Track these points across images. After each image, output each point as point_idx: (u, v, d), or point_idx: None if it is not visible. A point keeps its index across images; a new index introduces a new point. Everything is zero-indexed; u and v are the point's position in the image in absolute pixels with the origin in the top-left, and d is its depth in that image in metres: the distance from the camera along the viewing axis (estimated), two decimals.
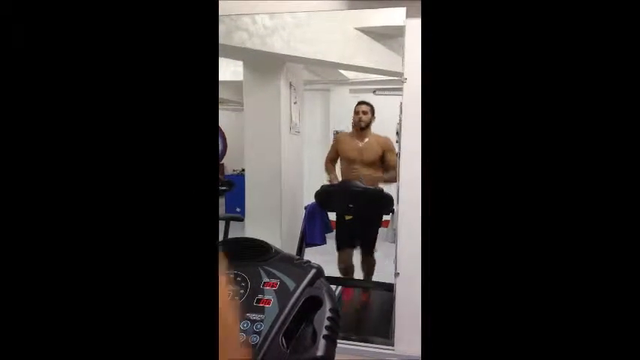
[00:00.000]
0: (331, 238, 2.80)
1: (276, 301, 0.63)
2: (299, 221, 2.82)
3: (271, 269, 0.68)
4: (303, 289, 0.64)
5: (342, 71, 4.15)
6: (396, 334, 1.42)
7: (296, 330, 0.61)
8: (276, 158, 2.75)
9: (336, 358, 0.59)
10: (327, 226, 2.74)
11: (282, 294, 0.63)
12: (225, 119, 5.01)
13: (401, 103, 1.35)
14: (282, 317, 0.61)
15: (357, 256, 2.81)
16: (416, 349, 1.38)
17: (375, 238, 2.70)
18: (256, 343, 0.58)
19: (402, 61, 1.37)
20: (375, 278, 2.75)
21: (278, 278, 0.66)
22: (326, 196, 2.58)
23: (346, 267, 2.81)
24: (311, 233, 2.65)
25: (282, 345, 0.58)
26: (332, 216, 2.79)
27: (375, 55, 3.01)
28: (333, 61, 2.88)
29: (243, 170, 3.25)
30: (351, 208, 2.54)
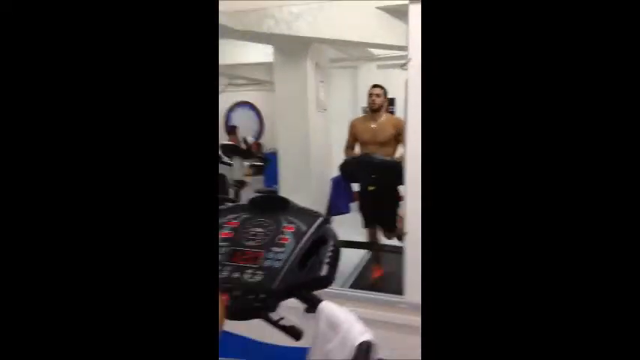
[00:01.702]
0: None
1: (293, 239, 0.86)
2: (327, 194, 3.05)
3: (290, 217, 0.91)
4: (313, 231, 0.87)
5: (368, 48, 4.24)
6: (406, 284, 1.62)
7: (307, 260, 0.84)
8: (305, 136, 2.96)
9: (347, 306, 0.79)
10: (350, 196, 2.96)
11: (298, 234, 0.87)
12: (260, 100, 5.26)
13: (406, 81, 1.47)
14: (296, 250, 0.84)
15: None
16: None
17: (396, 212, 2.74)
18: (278, 267, 0.82)
19: (407, 42, 1.45)
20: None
21: (295, 223, 0.89)
22: (349, 168, 2.79)
23: (374, 242, 3.01)
24: (336, 204, 2.89)
25: (297, 269, 0.82)
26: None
27: (397, 32, 3.10)
28: (356, 40, 3.01)
29: (274, 151, 3.47)
30: (373, 179, 2.73)
